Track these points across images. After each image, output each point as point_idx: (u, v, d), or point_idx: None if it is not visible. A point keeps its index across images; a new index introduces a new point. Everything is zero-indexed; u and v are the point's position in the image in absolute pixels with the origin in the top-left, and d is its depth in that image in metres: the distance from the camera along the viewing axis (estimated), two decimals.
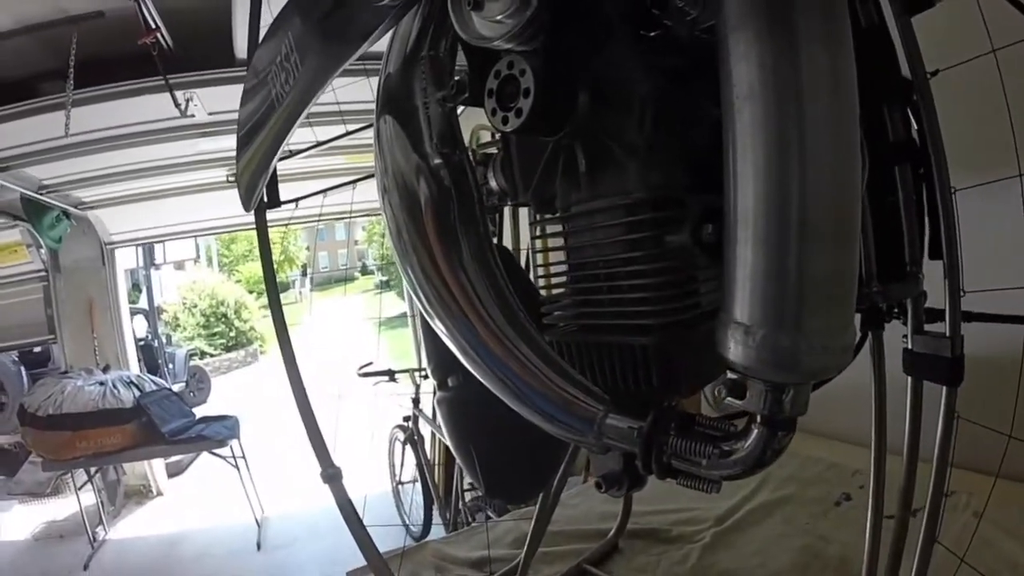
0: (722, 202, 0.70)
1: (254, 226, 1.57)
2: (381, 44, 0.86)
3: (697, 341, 0.73)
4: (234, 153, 1.37)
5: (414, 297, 0.80)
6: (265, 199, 1.57)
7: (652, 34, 0.71)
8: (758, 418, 0.58)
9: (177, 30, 3.67)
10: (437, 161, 0.77)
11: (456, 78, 0.78)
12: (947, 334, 1.18)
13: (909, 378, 1.26)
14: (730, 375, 0.59)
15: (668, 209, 0.68)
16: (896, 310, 1.22)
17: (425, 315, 0.79)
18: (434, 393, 1.10)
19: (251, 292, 16.64)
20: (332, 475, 1.45)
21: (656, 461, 0.64)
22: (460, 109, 0.84)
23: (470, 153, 0.83)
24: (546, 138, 0.71)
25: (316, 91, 0.95)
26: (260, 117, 1.19)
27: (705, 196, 0.71)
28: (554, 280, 0.83)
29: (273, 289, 1.54)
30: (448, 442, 1.10)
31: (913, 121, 1.15)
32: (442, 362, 1.04)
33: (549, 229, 0.83)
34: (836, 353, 0.55)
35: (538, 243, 0.86)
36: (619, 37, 0.71)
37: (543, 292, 0.85)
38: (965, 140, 1.31)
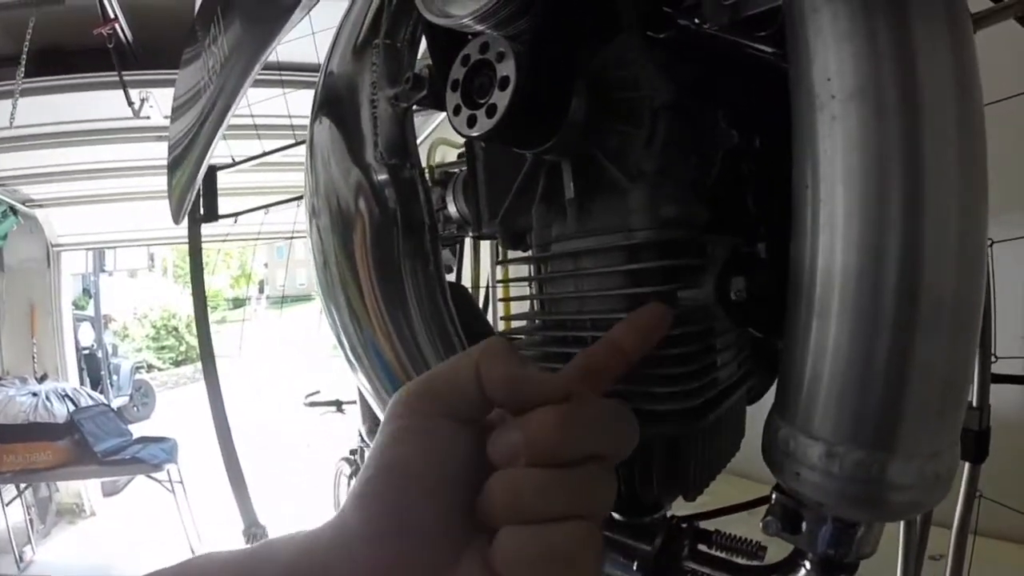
0: (750, 247, 0.55)
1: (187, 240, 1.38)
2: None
3: (709, 427, 0.56)
4: None
5: (339, 347, 0.61)
6: (201, 212, 1.39)
7: (662, 36, 0.55)
8: (810, 555, 0.44)
9: (140, 26, 3.48)
10: (382, 177, 0.59)
11: (414, 71, 0.60)
12: (974, 404, 1.04)
13: None
14: (779, 498, 0.43)
15: (685, 255, 0.50)
16: None
17: (350, 369, 0.61)
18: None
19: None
20: (255, 535, 1.24)
21: None
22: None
23: (427, 171, 0.65)
24: (524, 151, 0.53)
25: (249, 73, 0.77)
26: (191, 122, 1.02)
27: (728, 239, 0.54)
28: (523, 337, 0.65)
29: (203, 319, 1.33)
30: None
31: None
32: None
33: (517, 272, 0.65)
34: (942, 482, 0.38)
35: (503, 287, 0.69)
36: (627, 31, 0.54)
37: None
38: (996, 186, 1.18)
